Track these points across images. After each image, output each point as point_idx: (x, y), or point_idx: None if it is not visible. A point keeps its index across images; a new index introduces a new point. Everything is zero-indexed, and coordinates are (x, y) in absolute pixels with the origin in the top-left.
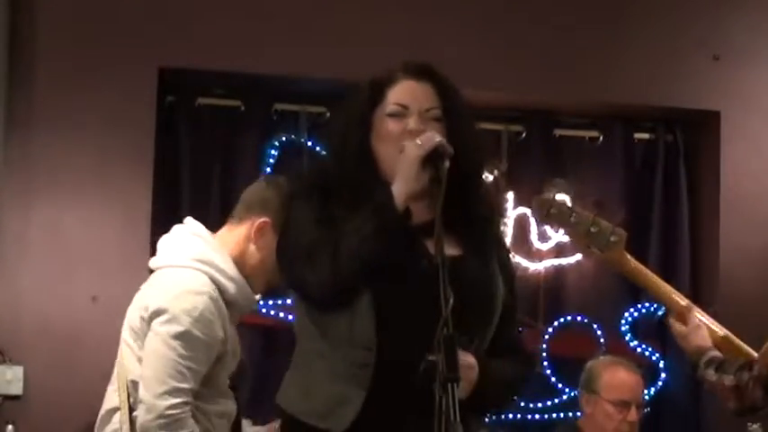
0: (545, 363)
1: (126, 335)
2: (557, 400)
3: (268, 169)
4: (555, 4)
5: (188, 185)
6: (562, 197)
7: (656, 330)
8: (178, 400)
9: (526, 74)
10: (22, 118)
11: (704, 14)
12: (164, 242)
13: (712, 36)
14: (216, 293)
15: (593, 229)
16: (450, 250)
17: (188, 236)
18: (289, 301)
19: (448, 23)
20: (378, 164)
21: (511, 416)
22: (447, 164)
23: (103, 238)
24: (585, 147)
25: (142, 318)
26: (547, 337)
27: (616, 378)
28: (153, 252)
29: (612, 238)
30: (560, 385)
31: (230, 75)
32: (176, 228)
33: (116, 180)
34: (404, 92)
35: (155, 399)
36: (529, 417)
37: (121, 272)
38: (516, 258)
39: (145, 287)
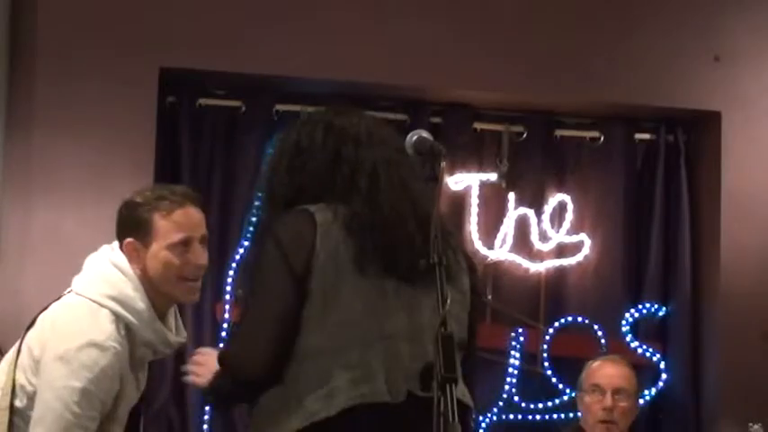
0: (546, 363)
1: (31, 343)
2: (557, 401)
3: None
4: (555, 4)
5: (188, 186)
6: None
7: (657, 331)
8: None
9: (527, 74)
10: (22, 118)
11: (705, 15)
12: (90, 262)
13: (713, 36)
14: (120, 346)
15: None
16: None
17: (108, 265)
18: None
19: (448, 24)
20: None
21: (511, 416)
22: (443, 164)
23: (103, 239)
24: (586, 147)
25: (34, 354)
26: (548, 337)
27: (595, 369)
28: None
29: None
30: (561, 385)
31: (231, 75)
32: (103, 250)
33: (116, 180)
34: None
35: None
36: (529, 417)
37: None
38: (517, 259)
39: (58, 305)
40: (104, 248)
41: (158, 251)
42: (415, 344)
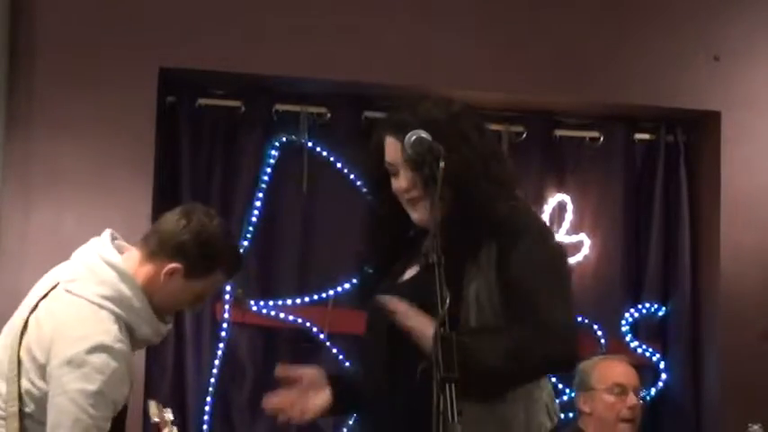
0: None
1: (32, 347)
2: (557, 401)
3: (268, 170)
4: (555, 4)
5: (188, 186)
6: None
7: (657, 331)
8: None
9: (526, 74)
10: (22, 118)
11: (704, 15)
12: (79, 257)
13: (712, 36)
14: (126, 346)
15: None
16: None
17: (99, 263)
18: (289, 302)
19: (448, 24)
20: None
21: None
22: (442, 164)
23: None
24: (586, 147)
25: (38, 359)
26: None
27: (608, 368)
28: None
29: None
30: (560, 386)
31: (231, 75)
32: (92, 243)
33: (116, 180)
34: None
35: None
36: None
37: None
38: None
39: (53, 306)
40: (93, 242)
41: (194, 289)
42: None
